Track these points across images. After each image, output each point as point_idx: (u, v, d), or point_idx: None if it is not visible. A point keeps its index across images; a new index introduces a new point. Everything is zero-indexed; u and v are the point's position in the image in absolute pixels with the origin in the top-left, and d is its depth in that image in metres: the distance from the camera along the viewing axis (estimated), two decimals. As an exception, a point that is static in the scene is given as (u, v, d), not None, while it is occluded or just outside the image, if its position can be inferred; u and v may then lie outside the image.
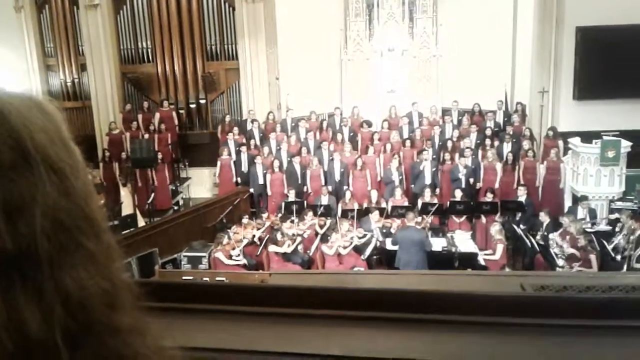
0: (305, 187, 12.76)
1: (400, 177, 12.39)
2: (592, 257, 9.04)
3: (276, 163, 12.71)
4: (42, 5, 15.62)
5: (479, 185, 12.37)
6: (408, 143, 13.31)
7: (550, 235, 9.83)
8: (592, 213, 10.90)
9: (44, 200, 0.54)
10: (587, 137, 11.81)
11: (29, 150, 0.55)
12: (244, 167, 13.28)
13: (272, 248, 9.76)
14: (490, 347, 1.61)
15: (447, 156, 12.61)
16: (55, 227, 0.54)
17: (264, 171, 12.81)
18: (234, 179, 13.42)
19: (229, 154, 13.50)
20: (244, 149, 13.39)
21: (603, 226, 10.53)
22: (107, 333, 0.57)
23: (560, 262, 9.17)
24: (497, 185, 12.02)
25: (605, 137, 11.41)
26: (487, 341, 1.61)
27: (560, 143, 12.53)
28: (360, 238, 10.05)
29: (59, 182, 0.56)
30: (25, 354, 0.51)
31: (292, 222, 10.70)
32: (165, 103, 14.92)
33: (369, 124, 14.43)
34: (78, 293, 0.55)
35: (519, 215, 11.13)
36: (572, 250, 9.19)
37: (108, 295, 0.58)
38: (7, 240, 0.51)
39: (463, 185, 11.92)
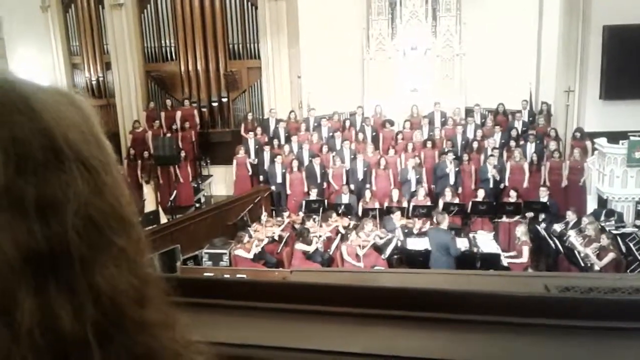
0: (324, 186, 12.77)
1: (418, 177, 12.31)
2: (611, 254, 8.89)
3: (295, 163, 12.73)
4: (68, 4, 15.87)
5: (502, 185, 12.25)
6: (429, 143, 13.23)
7: (569, 232, 9.72)
8: (619, 215, 10.72)
9: (77, 198, 0.54)
10: (614, 137, 11.61)
11: (61, 147, 0.55)
12: (266, 166, 13.33)
13: (299, 246, 9.77)
14: (515, 348, 1.59)
15: (471, 156, 12.51)
16: (87, 225, 0.54)
17: (283, 170, 12.84)
18: (250, 177, 13.49)
19: (246, 152, 13.56)
20: (266, 147, 13.45)
21: (629, 228, 10.34)
22: (137, 329, 0.57)
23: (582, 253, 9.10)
24: (525, 185, 11.89)
25: (632, 138, 11.20)
26: (511, 342, 1.59)
27: (588, 143, 12.34)
28: (381, 239, 10.03)
29: (91, 180, 0.56)
30: (58, 352, 0.51)
31: (314, 220, 10.71)
32: (187, 101, 15.05)
33: (392, 123, 14.38)
34: (109, 290, 0.55)
35: (542, 216, 10.99)
36: (588, 251, 9.06)
37: (138, 292, 0.58)
38: (40, 239, 0.52)
39: (491, 186, 11.81)
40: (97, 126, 0.61)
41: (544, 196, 11.15)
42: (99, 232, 0.56)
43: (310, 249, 9.75)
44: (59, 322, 0.51)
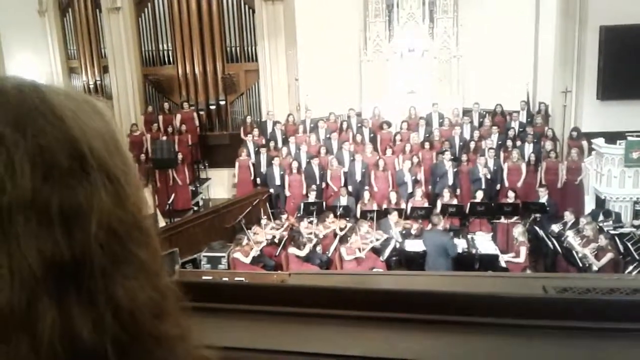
0: (324, 184, 12.78)
1: (413, 178, 12.32)
2: (609, 254, 8.91)
3: (295, 164, 12.73)
4: (65, 8, 15.86)
5: (499, 186, 12.26)
6: (427, 145, 13.24)
7: (567, 233, 9.74)
8: (617, 215, 10.74)
9: (100, 208, 0.54)
10: (611, 137, 11.64)
11: (86, 157, 0.55)
12: (263, 168, 13.34)
13: (291, 250, 9.76)
14: (512, 350, 1.59)
15: (468, 157, 12.51)
16: (109, 236, 0.54)
17: (281, 172, 12.84)
18: (252, 180, 13.50)
19: (248, 155, 13.57)
20: (263, 150, 13.45)
21: (627, 228, 10.36)
22: (154, 343, 0.57)
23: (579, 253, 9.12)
24: (519, 185, 11.90)
25: (629, 138, 11.23)
26: (509, 344, 1.59)
27: (585, 143, 12.35)
28: (377, 240, 10.02)
29: (113, 190, 0.56)
30: None
31: (311, 222, 10.70)
32: (186, 104, 15.04)
33: (389, 125, 14.39)
34: (128, 304, 0.55)
35: (540, 216, 10.99)
36: (586, 251, 9.07)
37: (156, 305, 0.58)
38: (64, 249, 0.51)
39: (483, 186, 11.81)
40: (118, 136, 0.61)
41: (542, 196, 11.16)
42: (121, 243, 0.56)
43: (302, 253, 9.71)
44: (79, 334, 0.51)
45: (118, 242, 0.55)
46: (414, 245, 9.88)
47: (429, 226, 10.17)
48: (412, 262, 9.59)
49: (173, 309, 0.61)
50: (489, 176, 12.03)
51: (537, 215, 10.88)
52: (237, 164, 13.57)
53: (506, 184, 12.12)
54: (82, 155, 0.54)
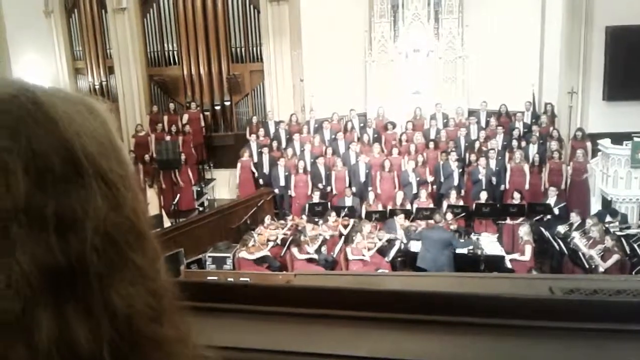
0: (329, 188, 12.76)
1: (418, 179, 12.29)
2: (615, 256, 8.87)
3: (301, 164, 12.73)
4: (71, 9, 15.91)
5: (502, 187, 12.22)
6: (432, 145, 13.21)
7: (574, 234, 9.70)
8: (623, 217, 10.69)
9: (96, 214, 0.53)
10: (618, 138, 11.58)
11: (81, 161, 0.53)
12: (266, 169, 13.35)
13: (294, 251, 9.75)
14: (519, 351, 1.58)
15: (473, 157, 12.46)
16: (105, 242, 0.53)
17: (286, 173, 12.84)
18: (254, 181, 13.51)
19: (250, 155, 13.58)
20: (265, 150, 13.46)
21: (633, 229, 10.31)
22: (153, 346, 0.56)
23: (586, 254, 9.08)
24: (527, 187, 11.85)
25: (636, 139, 11.18)
26: (516, 345, 1.58)
27: (588, 144, 12.30)
28: (379, 240, 10.00)
29: (110, 195, 0.55)
30: None
31: (317, 223, 10.69)
32: (193, 105, 15.08)
33: (394, 125, 14.37)
34: (125, 309, 0.54)
35: (546, 217, 10.95)
36: (592, 252, 9.03)
37: (154, 310, 0.57)
38: (59, 255, 0.51)
39: (483, 187, 11.76)
40: (116, 138, 0.60)
41: (552, 196, 11.12)
42: (117, 249, 0.55)
43: (303, 257, 9.66)
44: (76, 341, 0.51)
45: (114, 247, 0.54)
46: (420, 246, 9.85)
47: (427, 225, 10.13)
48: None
49: (171, 312, 0.60)
50: (486, 178, 11.99)
51: (548, 216, 10.84)
52: (239, 164, 13.59)
53: (507, 185, 12.07)
54: (76, 160, 0.53)
